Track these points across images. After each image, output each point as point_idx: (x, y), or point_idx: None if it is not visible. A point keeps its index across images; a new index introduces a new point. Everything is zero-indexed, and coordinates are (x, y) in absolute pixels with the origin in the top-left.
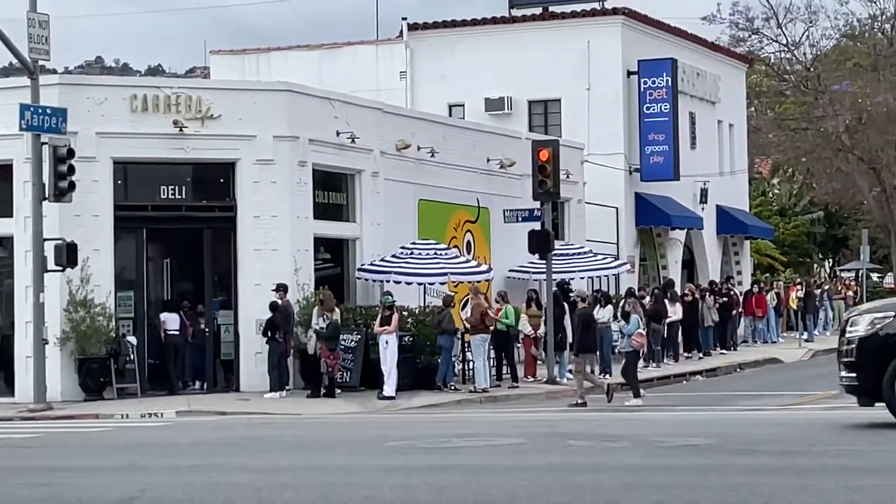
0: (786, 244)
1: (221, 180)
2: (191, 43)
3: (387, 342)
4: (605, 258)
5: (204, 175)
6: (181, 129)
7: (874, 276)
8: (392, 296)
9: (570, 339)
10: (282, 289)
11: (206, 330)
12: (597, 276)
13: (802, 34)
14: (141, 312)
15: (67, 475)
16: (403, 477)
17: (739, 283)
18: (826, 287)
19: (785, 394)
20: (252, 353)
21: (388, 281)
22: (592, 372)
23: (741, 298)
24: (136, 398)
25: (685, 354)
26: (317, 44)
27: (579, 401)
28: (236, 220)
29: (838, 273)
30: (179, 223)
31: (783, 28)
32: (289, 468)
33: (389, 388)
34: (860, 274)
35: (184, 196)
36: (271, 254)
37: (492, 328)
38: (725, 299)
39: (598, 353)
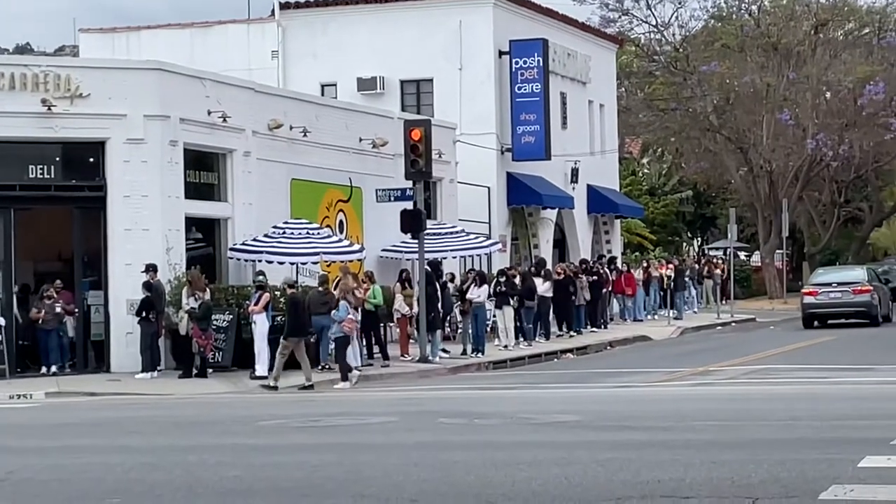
0: (655, 223)
1: (91, 160)
2: (60, 22)
3: (257, 322)
4: (477, 237)
5: (73, 154)
6: (49, 108)
7: (741, 255)
8: (265, 275)
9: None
10: (152, 269)
11: (77, 310)
12: (469, 256)
13: (671, 15)
14: (9, 294)
15: None
16: (276, 456)
17: (613, 263)
18: (694, 266)
19: (654, 370)
20: (123, 333)
21: (260, 261)
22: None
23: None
24: (5, 379)
25: (556, 332)
26: (188, 22)
27: (272, 383)
28: (106, 199)
29: (706, 251)
30: (48, 203)
31: (653, 9)
32: (159, 448)
33: (261, 367)
34: (728, 252)
35: (52, 175)
36: (142, 234)
37: (359, 308)
38: (595, 278)
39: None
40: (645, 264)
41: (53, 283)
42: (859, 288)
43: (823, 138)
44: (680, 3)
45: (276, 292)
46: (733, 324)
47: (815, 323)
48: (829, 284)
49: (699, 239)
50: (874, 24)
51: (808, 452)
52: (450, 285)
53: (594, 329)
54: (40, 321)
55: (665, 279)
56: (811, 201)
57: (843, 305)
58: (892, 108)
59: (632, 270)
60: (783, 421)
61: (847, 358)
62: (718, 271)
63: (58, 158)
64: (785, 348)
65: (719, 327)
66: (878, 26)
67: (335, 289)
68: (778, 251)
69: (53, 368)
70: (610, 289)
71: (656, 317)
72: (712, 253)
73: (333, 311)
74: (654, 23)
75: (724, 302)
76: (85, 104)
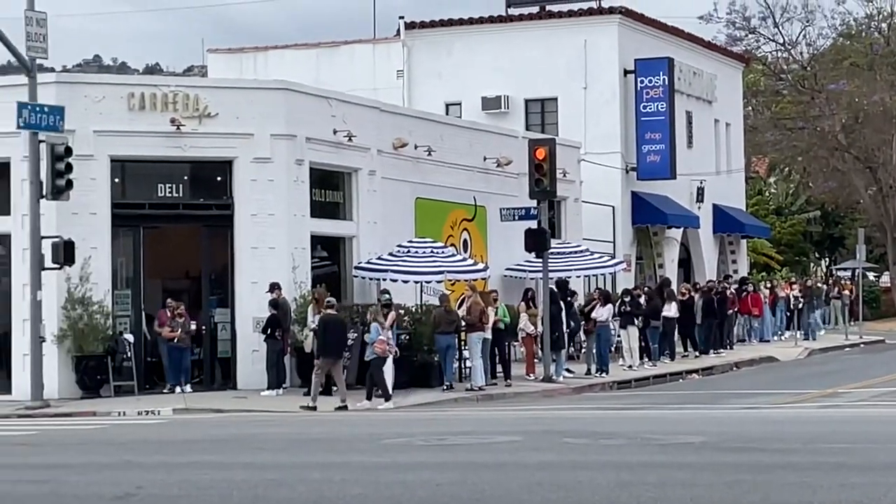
0: (782, 243)
1: (219, 178)
2: (188, 42)
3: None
4: (601, 257)
5: (201, 173)
6: (178, 128)
7: (870, 275)
8: (389, 294)
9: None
10: (277, 287)
11: (203, 328)
12: (593, 275)
13: (799, 33)
14: (138, 311)
15: (64, 472)
16: (399, 474)
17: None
18: (823, 287)
19: (781, 392)
20: (249, 350)
21: (385, 279)
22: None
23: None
24: (134, 395)
25: (681, 353)
26: (314, 42)
27: (311, 403)
28: (233, 218)
29: (835, 272)
30: (177, 221)
31: (780, 27)
32: (284, 465)
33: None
34: (856, 273)
35: (181, 194)
36: (268, 252)
37: (489, 327)
38: (719, 297)
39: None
40: (770, 285)
41: (178, 301)
42: None
43: None
44: (808, 22)
45: (402, 311)
46: (862, 345)
47: None
48: None
49: (827, 259)
50: None
51: None
52: (575, 304)
53: (719, 350)
54: (175, 339)
55: (791, 300)
56: None
57: None
58: None
59: (758, 291)
60: None
61: None
62: (847, 292)
63: (186, 177)
64: None
65: (847, 349)
66: None
67: (459, 308)
68: None
69: (188, 388)
70: (736, 309)
71: (783, 338)
72: (840, 273)
73: (366, 334)
74: (781, 41)
75: (852, 323)
76: (213, 123)
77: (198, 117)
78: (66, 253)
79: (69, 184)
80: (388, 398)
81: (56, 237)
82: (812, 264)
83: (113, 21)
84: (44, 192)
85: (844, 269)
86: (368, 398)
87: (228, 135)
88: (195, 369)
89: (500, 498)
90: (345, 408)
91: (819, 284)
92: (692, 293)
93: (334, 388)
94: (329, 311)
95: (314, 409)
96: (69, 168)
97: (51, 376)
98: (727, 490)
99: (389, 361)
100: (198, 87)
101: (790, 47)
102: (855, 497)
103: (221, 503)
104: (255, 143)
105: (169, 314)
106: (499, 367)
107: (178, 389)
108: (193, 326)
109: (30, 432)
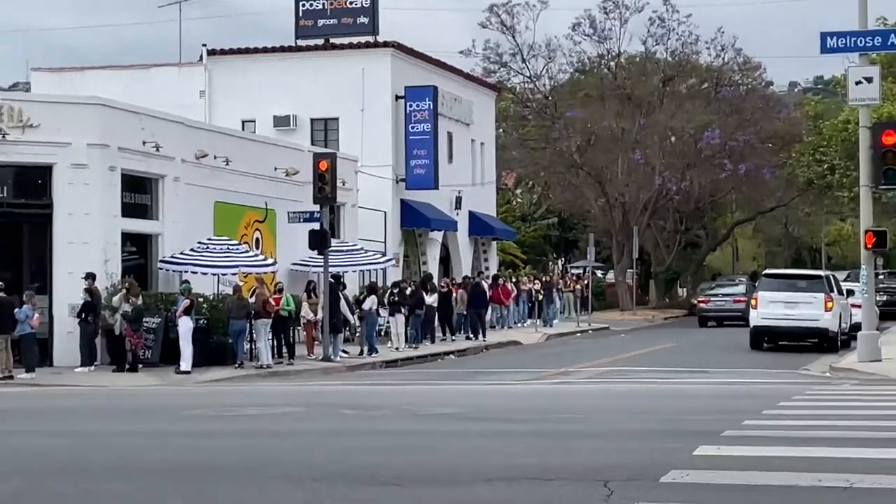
0: (526, 245)
1: (40, 181)
2: (14, 61)
3: (181, 324)
4: (374, 254)
5: (24, 177)
6: (4, 136)
7: (598, 273)
8: (190, 284)
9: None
10: (91, 277)
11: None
12: (367, 270)
13: (543, 68)
14: None
15: None
16: (195, 439)
17: (497, 279)
18: (559, 282)
19: (523, 370)
20: (64, 332)
21: (186, 272)
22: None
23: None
24: None
25: (440, 337)
26: (127, 64)
27: (5, 374)
28: (52, 216)
29: (569, 269)
30: (1, 219)
31: (527, 63)
32: (93, 433)
33: (185, 363)
34: (587, 271)
35: (5, 195)
36: (83, 247)
37: (273, 314)
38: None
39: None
40: (515, 280)
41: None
42: (738, 298)
43: (668, 175)
44: (550, 59)
45: (200, 299)
46: (590, 331)
47: (709, 323)
48: (717, 295)
49: (563, 259)
50: (712, 80)
51: (651, 442)
52: (350, 295)
53: (470, 335)
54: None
55: (533, 293)
56: (657, 228)
57: (727, 311)
58: (725, 152)
59: (506, 284)
60: (631, 415)
61: (685, 361)
62: (579, 287)
63: (10, 180)
64: (633, 353)
65: (579, 334)
66: (716, 82)
67: (251, 297)
68: (629, 270)
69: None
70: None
71: (525, 325)
72: (574, 271)
73: (17, 311)
74: (527, 74)
75: (583, 313)
76: (35, 133)
77: (21, 127)
78: None
79: None
80: (30, 370)
81: None
82: (551, 263)
83: None
84: None
85: (577, 268)
86: (30, 370)
87: (49, 143)
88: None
89: (283, 462)
90: (10, 378)
91: (558, 280)
92: (451, 286)
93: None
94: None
95: (11, 378)
96: None
97: None
98: (474, 453)
99: (189, 340)
100: (22, 101)
101: (535, 80)
102: (580, 459)
103: (32, 463)
104: (72, 151)
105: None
106: (284, 349)
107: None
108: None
109: None
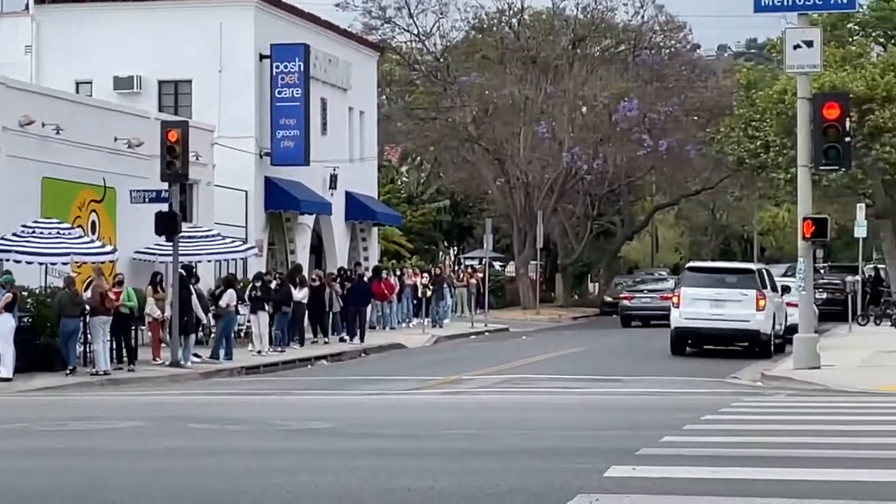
0: (413, 231)
1: None
2: None
3: (1, 323)
4: (233, 241)
5: None
6: None
7: (497, 265)
8: (12, 275)
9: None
10: None
11: None
12: (225, 260)
13: (433, 25)
14: None
15: None
16: (19, 460)
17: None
18: (451, 275)
19: (407, 378)
20: None
21: (8, 260)
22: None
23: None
24: None
25: (311, 339)
26: None
27: None
28: None
29: (462, 261)
30: None
31: (415, 18)
32: None
33: (5, 369)
34: (484, 262)
35: None
36: None
37: (112, 311)
38: (349, 284)
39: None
40: (398, 273)
41: None
42: (666, 295)
43: (579, 152)
44: (442, 14)
45: (24, 293)
46: (487, 333)
47: (633, 323)
48: (642, 291)
49: (456, 248)
50: (630, 42)
51: (556, 462)
52: (203, 290)
53: (345, 336)
54: None
55: (419, 287)
56: (565, 213)
57: (653, 309)
58: (644, 125)
59: (389, 278)
60: (532, 430)
61: (595, 369)
62: (473, 281)
63: None
64: (536, 358)
65: (473, 336)
66: (634, 44)
67: (86, 290)
68: (532, 262)
69: None
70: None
71: (411, 325)
72: (468, 262)
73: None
74: (415, 32)
75: (478, 311)
76: None
77: None
78: None
79: None
80: None
81: None
82: (441, 253)
83: None
84: None
85: (472, 259)
86: None
87: None
88: None
89: (123, 486)
90: None
91: (450, 273)
92: (323, 280)
93: None
94: None
95: None
96: None
97: None
98: (352, 475)
99: (10, 342)
100: None
101: (424, 38)
102: (476, 482)
103: None
104: None
105: None
106: (125, 352)
107: None
108: None
109: None
